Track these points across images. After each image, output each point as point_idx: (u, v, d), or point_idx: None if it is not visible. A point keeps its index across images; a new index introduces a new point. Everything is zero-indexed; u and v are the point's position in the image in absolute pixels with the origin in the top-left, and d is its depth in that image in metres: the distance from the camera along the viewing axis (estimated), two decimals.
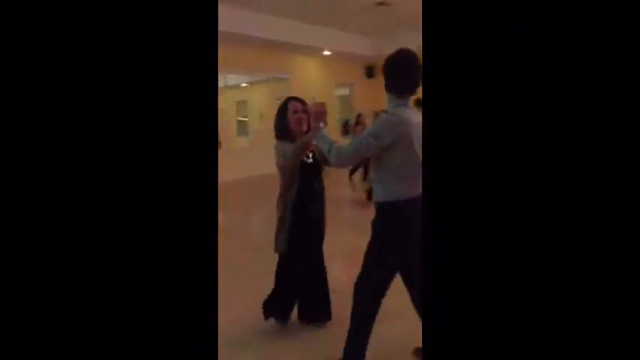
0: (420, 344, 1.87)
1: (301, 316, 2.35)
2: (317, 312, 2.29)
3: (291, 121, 2.08)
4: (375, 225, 1.70)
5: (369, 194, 5.33)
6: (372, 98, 10.63)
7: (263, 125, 9.29)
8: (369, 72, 11.19)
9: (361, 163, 5.62)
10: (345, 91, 11.82)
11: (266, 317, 2.32)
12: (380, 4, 6.98)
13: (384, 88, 1.69)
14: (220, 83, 8.85)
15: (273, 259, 2.28)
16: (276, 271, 2.29)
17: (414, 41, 8.84)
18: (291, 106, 2.10)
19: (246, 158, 8.70)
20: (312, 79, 10.30)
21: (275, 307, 2.31)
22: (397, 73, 1.64)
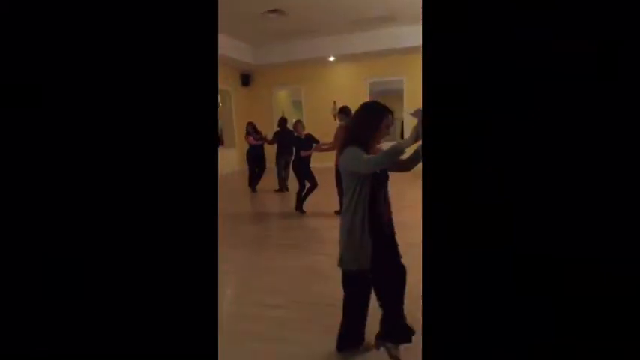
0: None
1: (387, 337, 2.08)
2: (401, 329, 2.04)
3: (383, 130, 1.89)
4: None
5: None
6: (247, 107, 10.66)
7: None
8: (245, 79, 10.66)
9: None
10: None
11: (340, 349, 2.11)
12: (272, 11, 6.62)
13: None
14: None
15: None
16: (347, 296, 2.07)
17: (301, 51, 8.86)
18: (388, 118, 1.90)
19: None
20: None
21: (350, 336, 2.10)
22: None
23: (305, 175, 5.32)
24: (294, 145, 5.35)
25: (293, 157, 5.36)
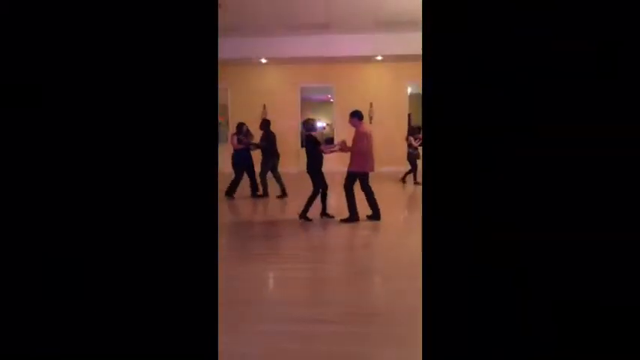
0: None
1: None
2: None
3: None
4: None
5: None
6: None
7: None
8: None
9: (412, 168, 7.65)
10: None
11: None
12: None
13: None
14: None
15: None
16: None
17: (231, 49, 8.56)
18: None
19: None
20: None
21: None
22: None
23: (321, 177, 4.90)
24: (310, 145, 4.84)
25: (307, 159, 4.87)
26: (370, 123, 9.40)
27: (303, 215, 4.96)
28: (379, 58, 8.80)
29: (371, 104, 9.49)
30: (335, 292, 2.91)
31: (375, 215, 4.91)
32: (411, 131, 7.78)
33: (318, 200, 4.97)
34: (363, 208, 4.97)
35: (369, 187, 4.85)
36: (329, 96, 12.60)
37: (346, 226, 4.74)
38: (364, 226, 4.76)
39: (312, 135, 4.95)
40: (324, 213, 5.02)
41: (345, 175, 4.88)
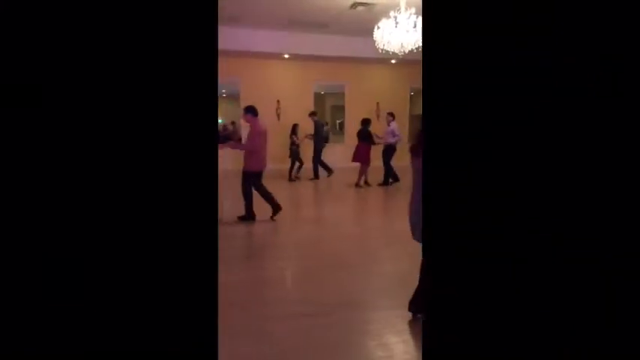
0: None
1: None
2: None
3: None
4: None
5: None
6: None
7: None
8: None
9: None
10: None
11: (415, 313, 2.36)
12: None
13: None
14: None
15: None
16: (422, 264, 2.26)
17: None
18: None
19: None
20: None
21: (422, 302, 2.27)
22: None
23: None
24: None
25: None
26: (278, 120, 9.48)
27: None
28: (286, 56, 8.91)
29: (278, 101, 9.57)
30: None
31: (276, 210, 4.77)
32: (293, 129, 8.05)
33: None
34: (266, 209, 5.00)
35: (263, 186, 4.74)
36: (223, 91, 12.35)
37: (262, 225, 4.70)
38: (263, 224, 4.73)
39: None
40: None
41: (241, 176, 4.69)
